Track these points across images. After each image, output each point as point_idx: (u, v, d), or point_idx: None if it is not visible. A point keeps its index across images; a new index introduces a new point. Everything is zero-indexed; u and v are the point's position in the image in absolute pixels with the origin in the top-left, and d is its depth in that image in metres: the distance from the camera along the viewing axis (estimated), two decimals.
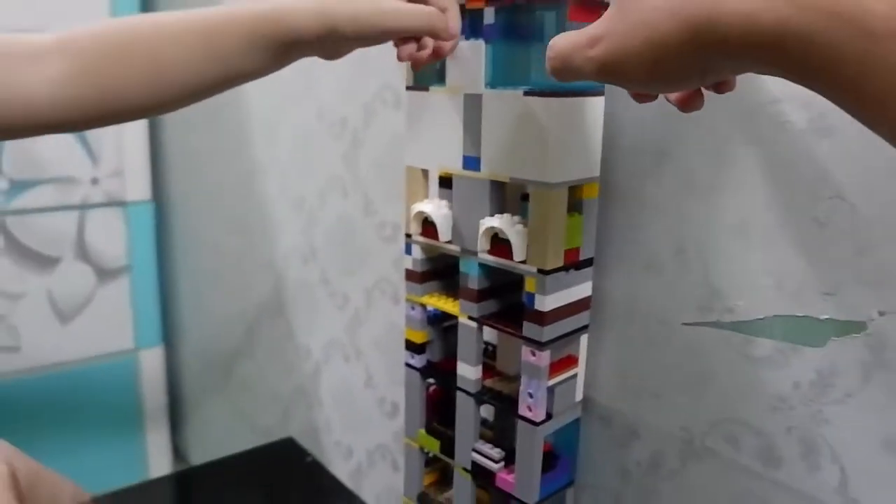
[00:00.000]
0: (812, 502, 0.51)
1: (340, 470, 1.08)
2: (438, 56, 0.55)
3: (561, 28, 0.52)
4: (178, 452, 1.60)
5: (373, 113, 0.86)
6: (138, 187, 1.43)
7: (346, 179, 0.94)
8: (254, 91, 1.14)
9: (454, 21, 0.54)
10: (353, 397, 1.02)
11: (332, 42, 0.50)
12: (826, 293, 0.48)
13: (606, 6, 0.38)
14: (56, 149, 1.31)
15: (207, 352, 1.50)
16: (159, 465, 1.55)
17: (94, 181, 1.38)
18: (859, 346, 0.47)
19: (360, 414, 1.01)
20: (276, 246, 1.14)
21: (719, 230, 0.54)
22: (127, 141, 1.39)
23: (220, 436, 1.43)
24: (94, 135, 1.34)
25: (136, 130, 1.39)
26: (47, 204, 1.33)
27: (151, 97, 0.51)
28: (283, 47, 0.50)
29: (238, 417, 1.38)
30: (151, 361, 1.53)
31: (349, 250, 0.96)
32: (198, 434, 1.57)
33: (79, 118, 0.50)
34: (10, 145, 1.26)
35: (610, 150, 0.59)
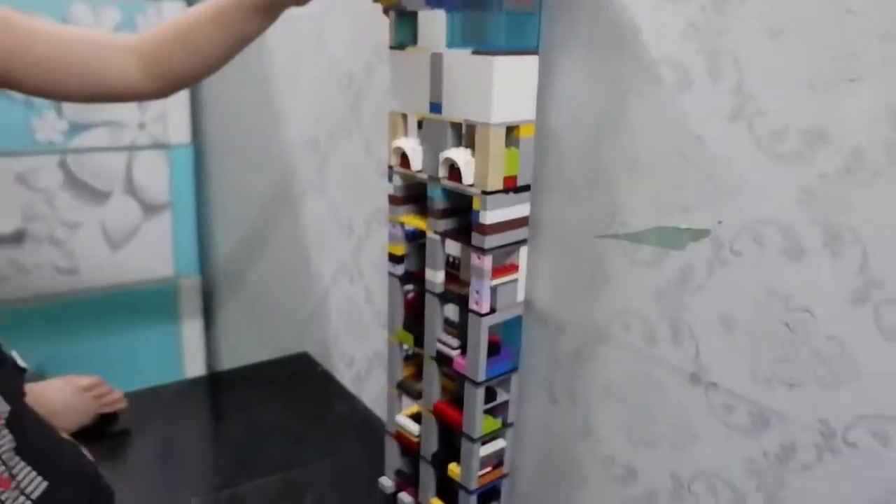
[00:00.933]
0: (675, 370, 0.67)
1: (345, 376, 1.26)
2: None
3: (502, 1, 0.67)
4: (210, 367, 1.80)
5: (371, 69, 1.02)
6: (180, 132, 1.61)
7: (352, 124, 1.11)
8: (276, 48, 1.30)
9: None
10: (357, 313, 1.19)
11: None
12: (685, 209, 0.63)
13: None
14: None
15: (237, 280, 1.69)
16: (195, 373, 1.76)
17: (141, 125, 1.56)
18: (706, 248, 0.62)
19: (361, 327, 1.19)
20: (294, 184, 1.32)
21: (618, 165, 0.69)
22: None
23: (248, 351, 1.62)
24: None
25: None
26: (101, 144, 1.52)
27: (198, 70, 0.79)
28: (265, 9, 0.74)
29: (263, 335, 1.57)
30: (189, 288, 1.72)
31: (353, 185, 1.13)
32: (228, 351, 1.78)
33: (156, 91, 0.79)
34: None
35: (544, 99, 0.74)
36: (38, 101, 1.42)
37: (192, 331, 1.76)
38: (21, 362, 0.75)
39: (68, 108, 1.46)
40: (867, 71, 0.50)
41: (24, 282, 1.53)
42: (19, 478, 0.66)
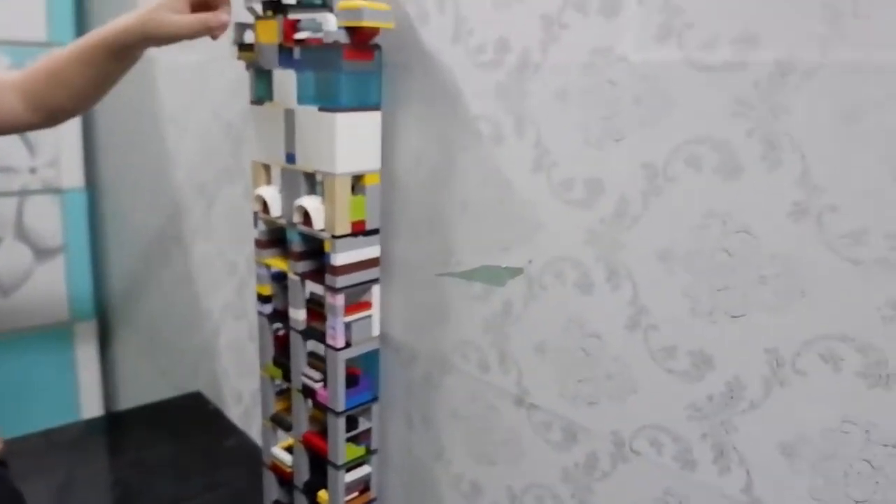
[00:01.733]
0: (504, 394, 0.74)
1: (234, 412, 1.30)
2: (216, 35, 0.79)
3: (340, 62, 0.75)
4: (108, 407, 1.79)
5: (248, 118, 1.08)
6: (73, 176, 1.62)
7: (234, 169, 1.16)
8: (165, 95, 1.34)
9: (226, 14, 0.78)
10: (243, 349, 1.23)
11: (149, 45, 0.80)
12: (504, 248, 0.71)
13: (370, 49, 0.61)
14: None
15: (133, 319, 1.70)
16: (92, 413, 1.75)
17: (33, 170, 1.57)
18: (521, 284, 0.70)
19: (247, 363, 1.23)
20: (184, 225, 1.35)
21: (450, 206, 0.77)
22: (62, 135, 1.58)
23: (145, 389, 1.63)
24: (35, 135, 1.53)
25: (69, 126, 1.58)
26: None
27: (73, 103, 0.85)
28: (124, 54, 0.81)
29: (159, 372, 1.59)
30: (85, 331, 1.72)
31: (236, 227, 1.18)
32: (126, 389, 1.77)
33: (40, 122, 0.86)
34: None
35: (389, 150, 0.82)
36: None
37: (88, 372, 1.75)
38: None
39: None
40: (628, 131, 0.59)
41: None
42: None
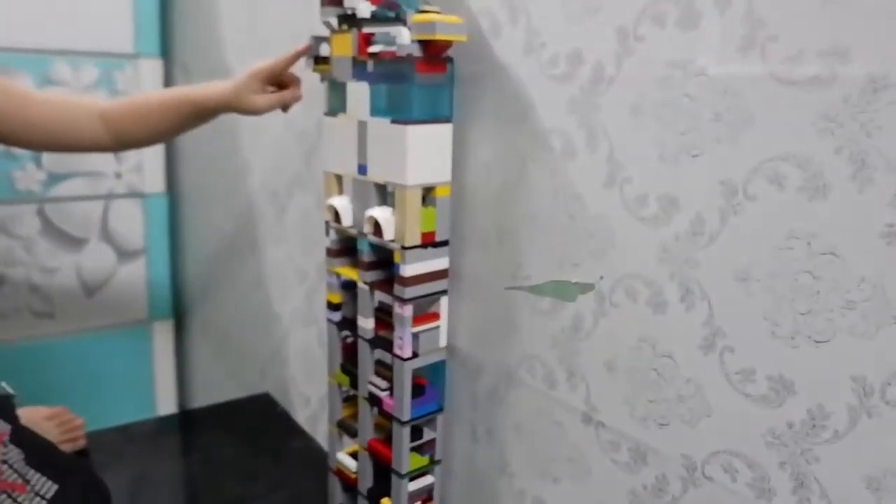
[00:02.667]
0: (571, 410, 0.73)
1: (301, 416, 1.32)
2: (288, 108, 0.92)
3: (412, 75, 0.75)
4: (181, 405, 1.86)
5: (322, 127, 1.10)
6: (155, 181, 1.69)
7: (306, 177, 1.18)
8: None
9: (299, 90, 0.91)
10: (311, 355, 1.26)
11: (229, 112, 0.91)
12: (574, 264, 0.70)
13: (442, 62, 0.66)
14: None
15: (207, 321, 1.75)
16: (167, 410, 1.82)
17: (118, 175, 1.64)
18: (591, 300, 0.69)
19: (315, 368, 1.25)
20: (257, 231, 1.39)
21: (520, 220, 0.76)
22: None
23: (217, 389, 1.68)
24: None
25: None
26: (78, 193, 1.60)
27: (149, 141, 0.98)
28: (206, 115, 0.93)
29: (230, 374, 1.63)
30: (162, 331, 1.79)
31: (307, 234, 1.20)
32: (199, 389, 1.83)
33: (116, 148, 0.97)
34: None
35: (460, 162, 0.82)
36: (18, 152, 1.50)
37: (164, 371, 1.82)
38: (9, 390, 0.85)
39: (48, 159, 1.54)
40: (706, 147, 0.57)
41: (3, 325, 1.59)
42: (32, 482, 0.79)
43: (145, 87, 1.61)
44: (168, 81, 1.65)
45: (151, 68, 1.61)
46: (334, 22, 0.84)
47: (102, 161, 1.62)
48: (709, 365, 0.59)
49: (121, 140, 0.94)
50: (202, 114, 0.93)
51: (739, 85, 0.54)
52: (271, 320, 1.38)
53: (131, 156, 1.64)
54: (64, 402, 1.25)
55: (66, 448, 1.16)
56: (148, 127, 0.93)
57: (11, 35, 1.46)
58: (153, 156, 1.67)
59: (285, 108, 0.92)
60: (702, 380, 0.60)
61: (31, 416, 1.14)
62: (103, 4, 1.55)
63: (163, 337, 1.80)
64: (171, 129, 0.94)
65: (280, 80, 0.90)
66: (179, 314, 1.83)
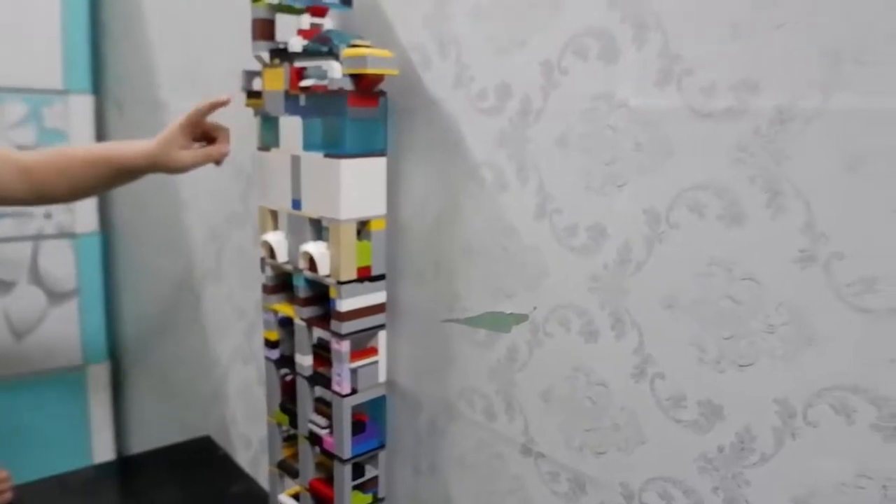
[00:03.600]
0: (510, 442, 0.72)
1: (242, 458, 1.28)
2: (219, 162, 0.91)
3: (345, 109, 0.75)
4: (120, 450, 1.79)
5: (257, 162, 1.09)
6: (87, 220, 1.64)
7: (243, 214, 1.17)
8: None
9: (226, 146, 0.90)
10: (251, 394, 1.23)
11: (157, 171, 0.90)
12: (508, 295, 0.70)
13: (374, 95, 0.67)
14: None
15: (146, 362, 1.70)
16: (104, 457, 1.74)
17: (48, 215, 1.58)
18: (526, 331, 0.69)
19: (255, 408, 1.22)
20: (195, 269, 1.36)
21: (456, 252, 0.76)
22: None
23: (157, 432, 1.62)
24: None
25: None
26: (5, 234, 1.54)
27: (70, 197, 0.96)
28: (129, 175, 0.92)
29: (170, 416, 1.58)
30: (97, 375, 1.72)
31: (245, 271, 1.18)
32: (139, 432, 1.76)
33: (34, 202, 0.94)
34: None
35: (395, 195, 0.82)
36: None
37: (100, 416, 1.75)
38: None
39: None
40: (629, 177, 0.58)
41: None
42: None
43: (75, 123, 1.57)
44: (100, 117, 1.61)
45: (82, 104, 1.57)
46: (266, 56, 0.83)
47: None
48: (641, 392, 0.59)
49: (39, 194, 0.92)
50: (125, 174, 0.91)
51: (658, 116, 0.56)
52: (211, 360, 1.35)
53: None
54: None
55: None
56: (69, 183, 0.91)
57: None
58: None
59: (217, 162, 0.90)
60: (635, 407, 0.60)
61: None
62: (31, 39, 1.51)
63: (98, 381, 1.73)
64: (93, 186, 0.93)
65: (206, 133, 0.89)
66: (116, 357, 1.77)
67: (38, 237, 1.58)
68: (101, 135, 1.62)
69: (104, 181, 0.93)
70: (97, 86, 1.60)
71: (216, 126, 0.90)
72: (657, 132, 0.56)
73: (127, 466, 1.47)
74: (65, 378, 1.68)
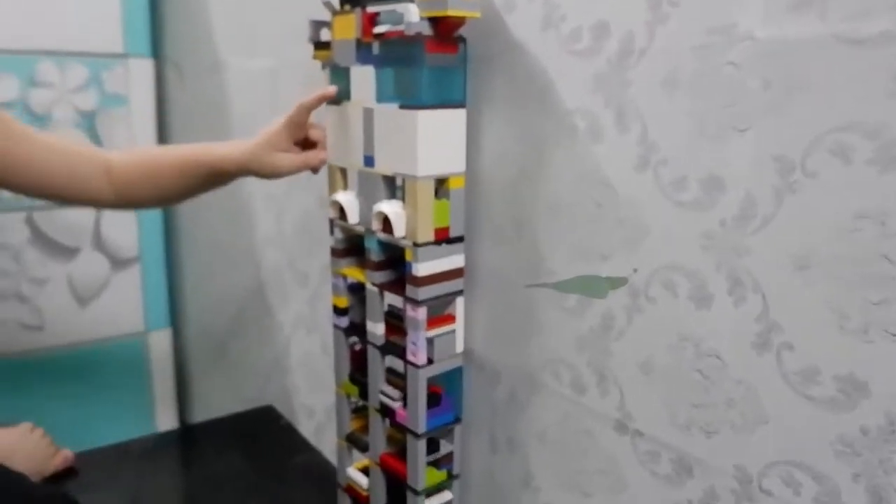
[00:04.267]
0: (602, 418, 0.67)
1: (306, 428, 1.25)
2: (316, 170, 0.84)
3: (422, 56, 0.69)
4: (182, 419, 1.79)
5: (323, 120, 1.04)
6: None
7: (305, 176, 1.12)
8: (236, 100, 1.32)
9: (324, 153, 0.83)
10: (315, 364, 1.19)
11: (249, 175, 0.84)
12: (603, 256, 0.64)
13: (454, 41, 0.62)
14: None
15: (207, 331, 1.69)
16: (167, 425, 1.75)
17: None
18: (624, 296, 0.63)
19: (319, 378, 1.18)
20: (255, 235, 1.33)
21: (541, 211, 0.70)
22: (138, 144, 1.58)
23: (217, 403, 1.61)
24: (108, 138, 1.54)
25: (145, 134, 1.59)
26: None
27: (157, 202, 0.94)
28: (221, 179, 0.87)
29: (231, 386, 1.56)
30: (159, 342, 1.72)
31: (308, 236, 1.14)
32: (200, 402, 1.76)
33: (118, 206, 0.90)
34: None
35: (474, 150, 0.76)
36: None
37: (163, 384, 1.75)
38: None
39: None
40: (754, 120, 0.51)
41: None
42: None
43: (135, 88, 1.54)
44: (160, 81, 1.58)
45: (142, 68, 1.55)
46: (336, 2, 0.78)
47: None
48: (764, 365, 0.52)
49: (126, 198, 0.87)
50: (218, 176, 0.85)
51: (793, 48, 0.48)
52: (273, 328, 1.32)
53: None
54: (55, 420, 1.18)
55: (54, 463, 1.10)
56: (157, 189, 0.86)
57: None
58: None
59: (314, 169, 0.83)
60: (755, 382, 0.53)
61: (22, 433, 1.08)
62: (91, 3, 1.49)
63: (160, 348, 1.73)
64: (182, 192, 0.87)
65: (305, 136, 0.82)
66: (177, 324, 1.77)
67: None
68: (161, 98, 1.60)
69: (195, 186, 0.87)
70: (156, 49, 1.57)
71: (316, 127, 0.83)
72: (791, 67, 0.48)
73: (189, 435, 1.47)
74: (127, 344, 1.68)
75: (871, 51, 0.44)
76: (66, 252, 1.56)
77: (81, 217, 1.56)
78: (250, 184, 1.30)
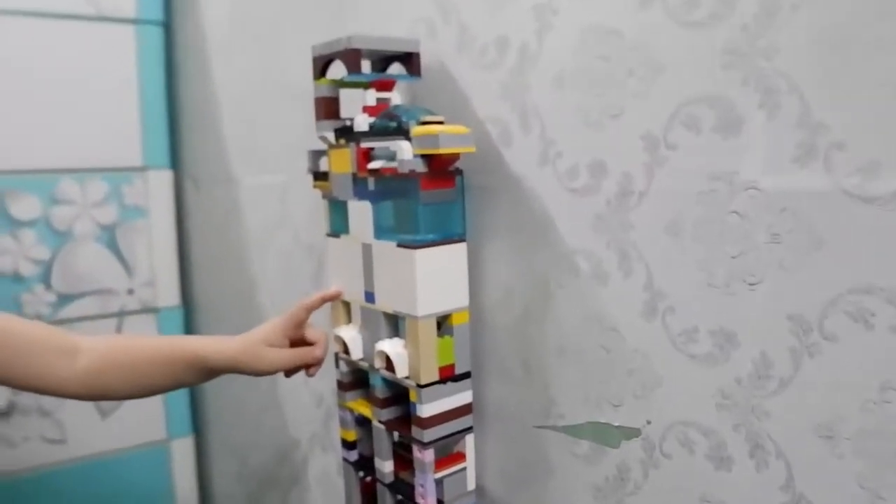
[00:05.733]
0: None
1: None
2: (311, 373, 0.79)
3: (417, 193, 0.67)
4: None
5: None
6: (169, 295, 1.63)
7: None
8: (249, 215, 1.32)
9: (321, 350, 0.78)
10: (331, 484, 1.15)
11: (237, 372, 0.78)
12: (614, 404, 0.60)
13: (450, 175, 0.64)
14: (96, 264, 1.53)
15: (227, 442, 1.66)
16: None
17: (130, 291, 1.58)
18: (637, 448, 0.58)
19: (335, 497, 1.14)
20: None
21: (549, 350, 0.66)
22: (157, 255, 1.59)
23: None
24: (128, 250, 1.55)
25: (165, 245, 1.60)
26: (89, 313, 1.54)
27: (129, 396, 0.80)
28: (206, 374, 0.78)
29: (252, 500, 1.52)
30: (182, 449, 1.69)
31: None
32: None
33: (84, 398, 0.78)
34: (58, 263, 1.48)
35: (477, 283, 0.73)
36: (27, 274, 1.45)
37: (186, 491, 1.71)
38: None
39: (57, 280, 1.49)
40: (764, 275, 0.47)
41: (13, 454, 1.51)
42: None
43: (154, 199, 1.57)
44: (179, 193, 1.60)
45: (161, 179, 1.57)
46: (331, 136, 0.77)
47: (114, 278, 1.56)
48: None
49: (95, 390, 0.77)
50: (204, 371, 0.78)
51: (801, 200, 0.45)
52: (290, 443, 1.28)
53: (144, 271, 1.59)
54: None
55: None
56: (135, 381, 0.78)
57: (17, 157, 1.43)
58: (166, 268, 1.62)
59: (307, 369, 0.78)
60: None
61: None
62: (112, 118, 1.52)
63: (183, 456, 1.70)
64: (163, 385, 0.79)
65: (303, 337, 0.78)
66: (198, 433, 1.74)
67: (121, 313, 1.58)
68: (180, 210, 1.62)
69: (176, 380, 0.79)
70: (174, 161, 1.60)
71: (314, 327, 0.79)
72: (800, 220, 0.45)
73: None
74: (150, 454, 1.66)
75: (884, 210, 0.41)
76: None
77: (103, 328, 1.56)
78: (263, 296, 1.29)
